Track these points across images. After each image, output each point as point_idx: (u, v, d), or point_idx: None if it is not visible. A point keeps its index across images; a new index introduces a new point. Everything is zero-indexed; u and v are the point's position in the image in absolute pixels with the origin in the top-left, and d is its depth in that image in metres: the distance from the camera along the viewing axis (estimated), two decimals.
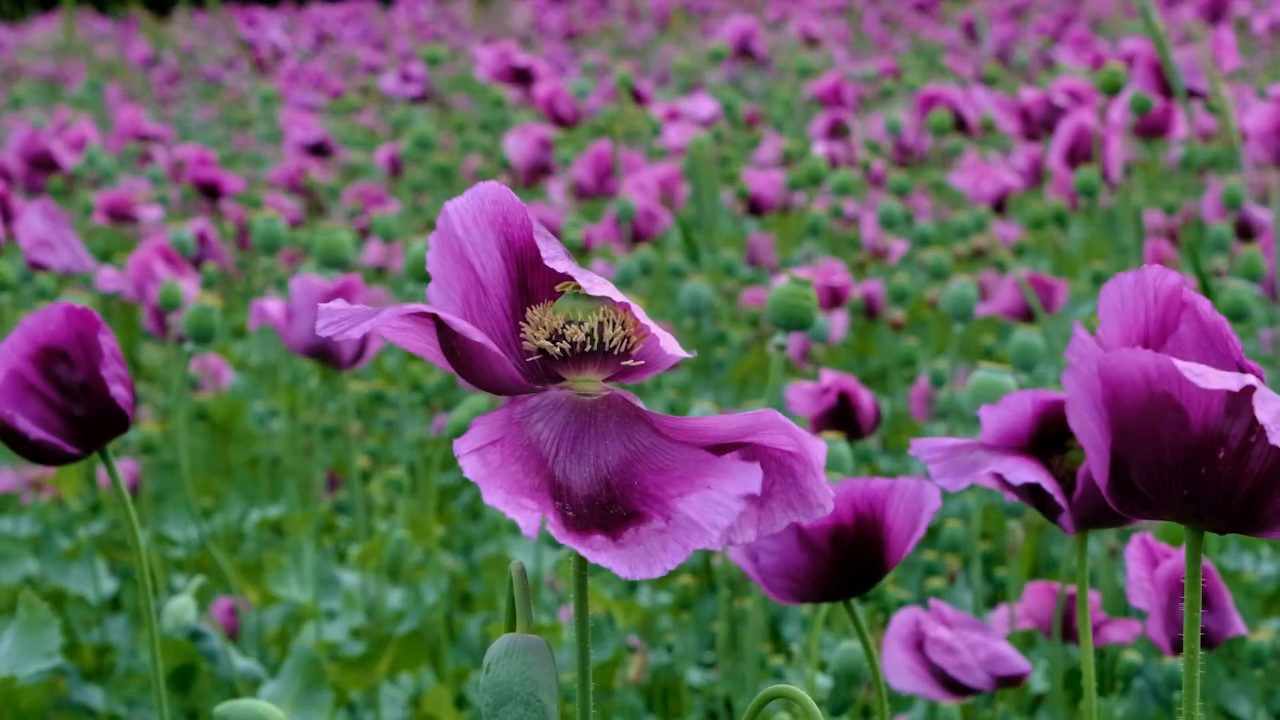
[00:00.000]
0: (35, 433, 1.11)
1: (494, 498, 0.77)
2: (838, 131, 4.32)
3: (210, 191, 4.12)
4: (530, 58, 4.25)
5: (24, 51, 10.21)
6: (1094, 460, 0.81)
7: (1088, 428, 0.80)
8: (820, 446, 0.80)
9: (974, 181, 3.55)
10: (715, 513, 0.77)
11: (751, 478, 0.78)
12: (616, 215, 3.24)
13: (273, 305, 2.17)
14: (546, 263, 0.80)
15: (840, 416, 2.12)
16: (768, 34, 7.62)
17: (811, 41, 6.83)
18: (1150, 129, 3.37)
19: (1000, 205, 3.56)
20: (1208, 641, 1.39)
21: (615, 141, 3.69)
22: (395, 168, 4.31)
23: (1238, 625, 1.42)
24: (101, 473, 2.86)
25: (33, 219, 2.63)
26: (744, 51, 5.15)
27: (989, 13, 8.09)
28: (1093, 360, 0.79)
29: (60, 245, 2.64)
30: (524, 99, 4.23)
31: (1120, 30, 6.68)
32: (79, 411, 1.12)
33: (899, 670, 1.51)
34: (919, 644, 1.52)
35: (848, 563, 1.18)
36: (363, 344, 2.18)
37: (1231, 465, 0.79)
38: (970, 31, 7.21)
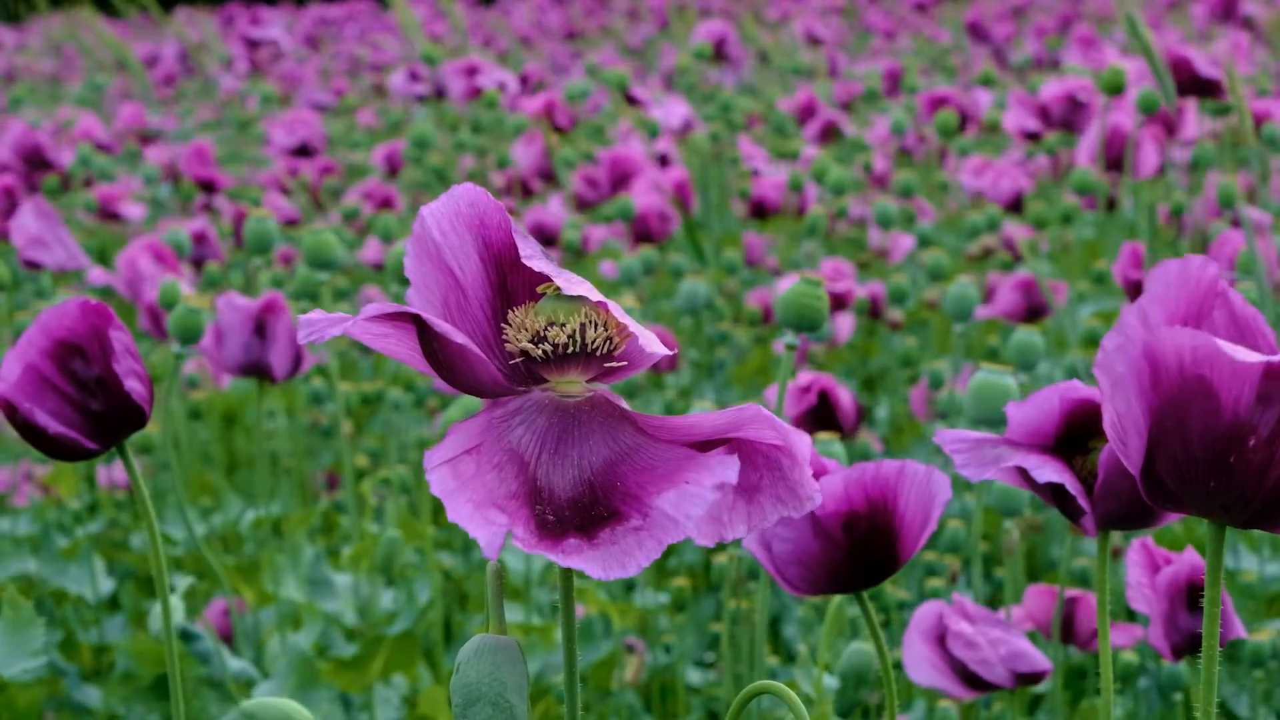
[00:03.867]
0: (54, 427, 1.12)
1: (459, 513, 0.76)
2: (830, 135, 4.31)
3: (207, 187, 4.10)
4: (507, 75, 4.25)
5: (22, 52, 10.21)
6: (1133, 447, 0.82)
7: (1132, 410, 0.81)
8: (804, 439, 0.80)
9: (993, 181, 3.55)
10: (690, 505, 0.77)
11: (727, 468, 0.78)
12: (620, 215, 3.23)
13: None
14: (524, 261, 0.80)
15: (821, 416, 2.10)
16: (768, 34, 7.61)
17: (815, 42, 6.81)
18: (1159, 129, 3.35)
19: (1017, 205, 3.55)
20: None
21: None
22: (392, 167, 4.29)
23: (1238, 629, 1.42)
24: (100, 472, 2.85)
25: (26, 217, 2.62)
26: (719, 54, 5.13)
27: (992, 12, 8.08)
28: (1139, 341, 0.80)
29: (54, 243, 2.63)
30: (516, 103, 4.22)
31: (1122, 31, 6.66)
32: (96, 406, 1.13)
33: (919, 664, 1.50)
34: (941, 638, 1.51)
35: (861, 551, 1.16)
36: (297, 359, 2.16)
37: (1261, 455, 0.79)
38: (974, 32, 7.19)
